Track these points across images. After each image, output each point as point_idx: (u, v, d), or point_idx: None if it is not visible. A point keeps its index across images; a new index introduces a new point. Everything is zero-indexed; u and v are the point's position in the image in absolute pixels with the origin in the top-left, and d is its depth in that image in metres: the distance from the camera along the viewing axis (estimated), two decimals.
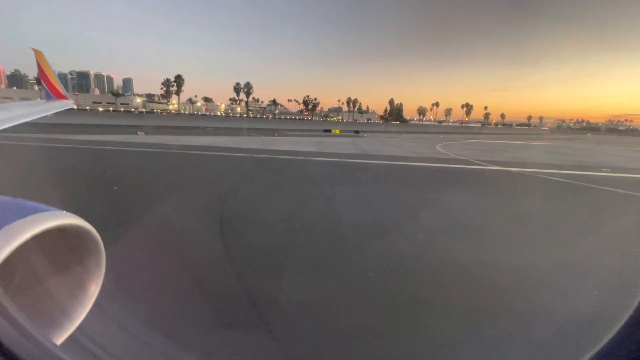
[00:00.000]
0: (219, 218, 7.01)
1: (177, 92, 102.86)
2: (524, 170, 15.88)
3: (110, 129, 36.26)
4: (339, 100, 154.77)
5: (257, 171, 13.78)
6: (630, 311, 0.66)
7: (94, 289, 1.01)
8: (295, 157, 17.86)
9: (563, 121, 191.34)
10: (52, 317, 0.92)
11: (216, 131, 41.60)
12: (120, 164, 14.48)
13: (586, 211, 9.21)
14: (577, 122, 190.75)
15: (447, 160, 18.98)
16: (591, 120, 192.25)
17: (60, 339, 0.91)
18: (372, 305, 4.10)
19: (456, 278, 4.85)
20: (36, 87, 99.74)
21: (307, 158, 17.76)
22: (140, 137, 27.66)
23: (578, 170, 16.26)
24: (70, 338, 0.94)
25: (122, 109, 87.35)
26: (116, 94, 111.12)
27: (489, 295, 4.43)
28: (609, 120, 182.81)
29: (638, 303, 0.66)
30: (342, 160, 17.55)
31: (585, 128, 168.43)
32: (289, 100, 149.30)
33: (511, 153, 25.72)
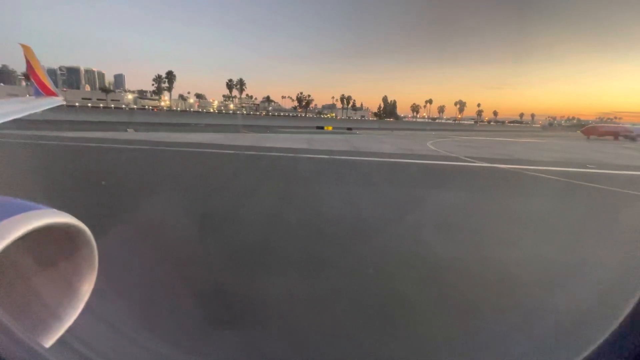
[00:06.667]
0: (203, 213, 7.09)
1: (169, 89, 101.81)
2: (511, 167, 16.10)
3: (100, 126, 35.69)
4: (333, 97, 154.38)
5: (245, 168, 13.76)
6: (627, 310, 0.65)
7: (86, 290, 0.97)
8: (285, 154, 17.84)
9: (554, 118, 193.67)
10: (41, 319, 0.89)
11: (207, 128, 41.19)
12: (105, 162, 14.33)
13: (567, 207, 9.43)
14: (568, 119, 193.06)
15: (435, 157, 19.16)
16: (582, 118, 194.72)
17: (49, 342, 0.88)
18: (360, 300, 4.18)
19: (439, 272, 4.97)
20: (24, 83, 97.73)
21: (297, 155, 17.77)
22: (129, 134, 27.33)
23: (565, 167, 16.54)
24: (61, 340, 0.91)
25: (112, 106, 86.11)
26: (107, 90, 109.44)
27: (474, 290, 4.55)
28: (599, 118, 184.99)
29: (636, 302, 0.65)
30: (332, 157, 17.59)
31: (576, 125, 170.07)
32: (283, 97, 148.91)
33: (500, 150, 26.01)
